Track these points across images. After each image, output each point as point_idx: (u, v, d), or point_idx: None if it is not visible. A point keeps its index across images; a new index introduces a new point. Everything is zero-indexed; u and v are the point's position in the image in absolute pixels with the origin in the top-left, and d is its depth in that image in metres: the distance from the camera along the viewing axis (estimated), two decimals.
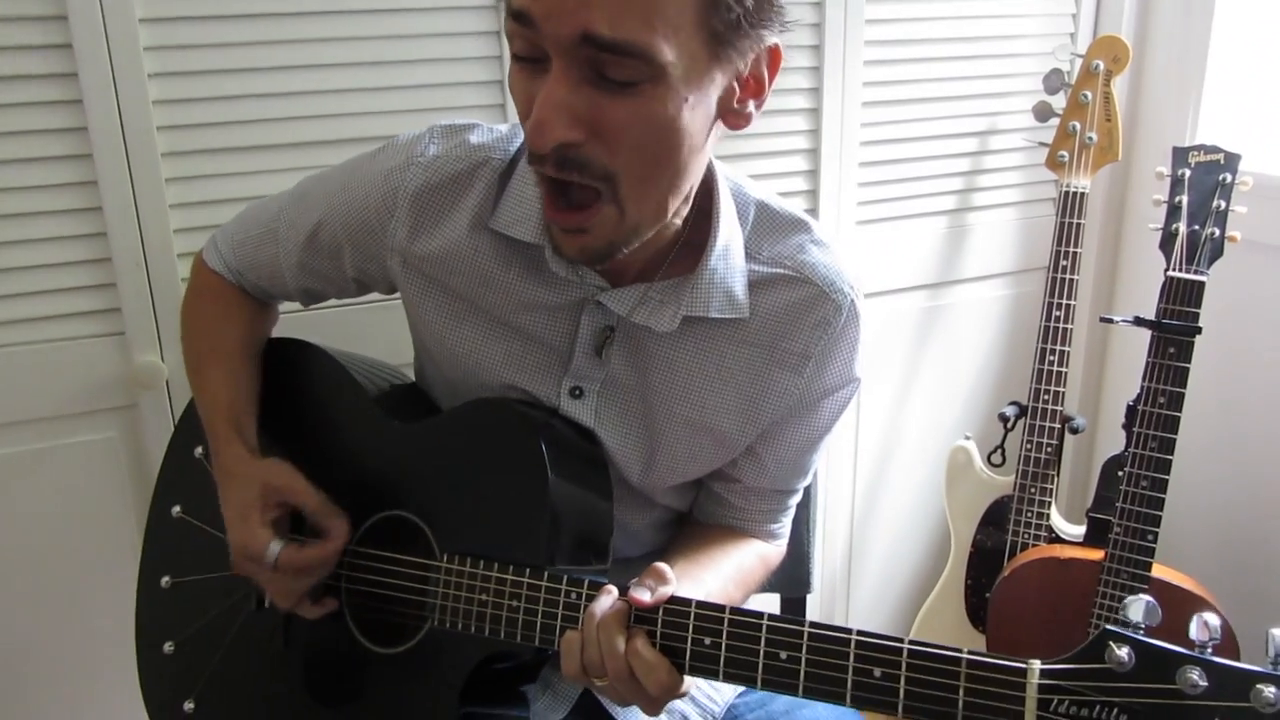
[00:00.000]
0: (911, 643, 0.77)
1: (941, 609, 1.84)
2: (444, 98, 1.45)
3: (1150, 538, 1.46)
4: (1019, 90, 1.83)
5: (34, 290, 1.34)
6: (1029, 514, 1.72)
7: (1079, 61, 1.71)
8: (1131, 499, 1.47)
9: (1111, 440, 1.49)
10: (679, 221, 0.95)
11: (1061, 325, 1.68)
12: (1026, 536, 1.72)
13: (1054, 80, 1.75)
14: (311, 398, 1.13)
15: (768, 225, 1.01)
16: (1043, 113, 1.77)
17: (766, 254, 1.00)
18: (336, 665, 1.05)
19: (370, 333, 1.31)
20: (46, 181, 1.31)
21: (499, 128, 1.03)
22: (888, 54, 1.72)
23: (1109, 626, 0.72)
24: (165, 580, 1.17)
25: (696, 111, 0.83)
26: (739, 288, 0.98)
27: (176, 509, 1.17)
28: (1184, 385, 1.43)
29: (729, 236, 0.97)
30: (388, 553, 1.03)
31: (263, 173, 1.38)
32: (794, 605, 1.44)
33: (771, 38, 0.84)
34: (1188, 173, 1.48)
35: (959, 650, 0.76)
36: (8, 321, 1.33)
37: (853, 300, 1.01)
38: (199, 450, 1.16)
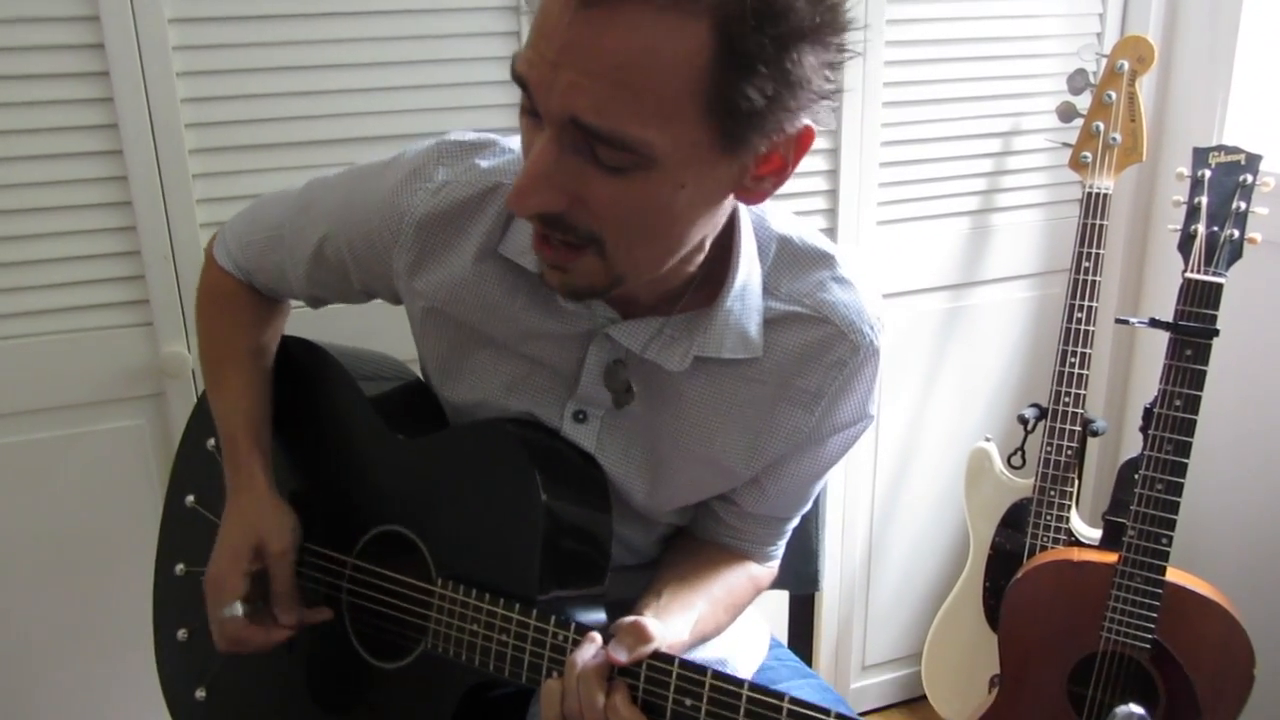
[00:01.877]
0: None
1: (960, 611, 1.84)
2: (464, 97, 1.48)
3: (1165, 541, 1.44)
4: (1043, 91, 1.82)
5: (66, 281, 1.38)
6: (1048, 516, 1.71)
7: (1104, 61, 1.70)
8: (1146, 502, 1.45)
9: (1137, 443, 1.48)
10: (691, 268, 0.91)
11: (1083, 327, 1.67)
12: (1046, 539, 1.71)
13: (1078, 80, 1.74)
14: (316, 403, 1.15)
15: (788, 261, 0.96)
16: (1067, 113, 1.76)
17: (785, 290, 0.96)
18: (336, 672, 1.07)
19: (378, 330, 1.32)
20: (78, 176, 1.35)
21: (513, 147, 0.98)
22: (909, 54, 1.72)
23: None
24: (179, 568, 1.20)
25: (696, 193, 0.79)
26: (753, 327, 0.94)
27: (190, 499, 1.20)
28: (1200, 388, 1.42)
29: (747, 275, 0.93)
30: (387, 571, 1.04)
31: (287, 169, 1.42)
32: (803, 602, 1.45)
33: (801, 123, 0.78)
34: (1208, 174, 1.46)
35: None
36: (41, 311, 1.38)
37: (872, 340, 0.97)
38: (211, 442, 1.18)
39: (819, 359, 0.96)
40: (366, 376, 1.14)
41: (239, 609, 1.02)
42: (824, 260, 0.97)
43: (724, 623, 1.06)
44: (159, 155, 1.36)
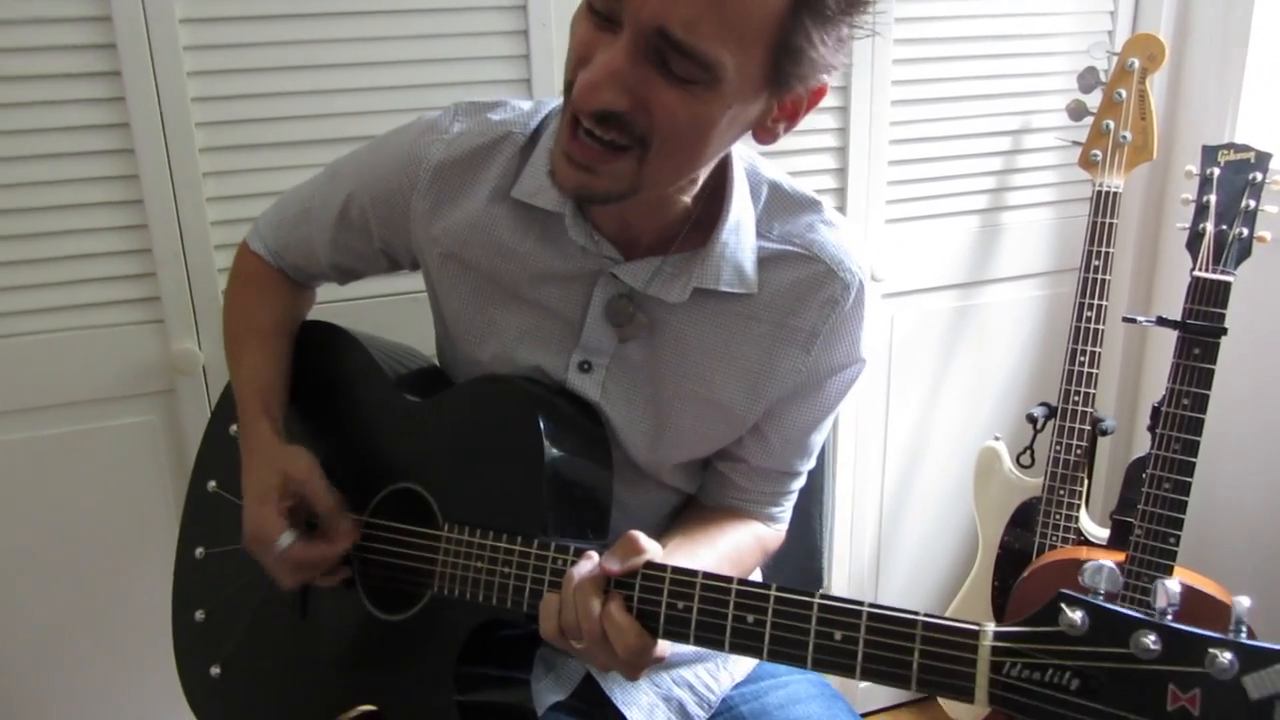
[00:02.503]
0: (871, 606, 0.78)
1: (968, 609, 1.83)
2: (471, 95, 1.47)
3: (1172, 540, 1.44)
4: (1054, 89, 1.81)
5: (78, 278, 1.40)
6: (1057, 516, 1.70)
7: (1114, 59, 1.70)
8: (1154, 501, 1.45)
9: (1148, 443, 1.48)
10: (688, 199, 0.98)
11: (1092, 326, 1.67)
12: (1054, 538, 1.70)
13: (1089, 78, 1.73)
14: (334, 376, 1.18)
15: (779, 204, 1.03)
16: (1077, 111, 1.75)
17: (777, 232, 1.02)
18: (349, 633, 1.09)
19: (399, 323, 1.35)
20: (91, 175, 1.37)
21: (522, 104, 1.07)
22: (918, 52, 1.72)
23: (1064, 590, 0.71)
24: (199, 551, 1.22)
25: (735, 122, 0.87)
26: (748, 263, 1.00)
27: (212, 484, 1.23)
28: (1208, 387, 1.41)
29: (740, 213, 0.99)
30: (395, 523, 1.06)
31: (296, 168, 1.42)
32: None
33: (824, 80, 0.88)
34: (1217, 171, 1.46)
35: (915, 613, 0.76)
36: (54, 308, 1.40)
37: (861, 281, 1.02)
38: (234, 428, 1.21)
39: (812, 296, 1.02)
40: (383, 353, 1.17)
41: (289, 537, 1.03)
42: (812, 205, 1.04)
43: None
44: (170, 154, 1.38)
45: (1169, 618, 0.68)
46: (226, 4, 1.36)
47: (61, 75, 1.33)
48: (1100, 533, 1.68)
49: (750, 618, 0.82)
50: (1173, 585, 0.69)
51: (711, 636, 0.84)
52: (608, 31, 0.82)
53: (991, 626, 0.73)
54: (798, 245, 1.01)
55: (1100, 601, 0.70)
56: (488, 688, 1.02)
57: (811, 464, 1.15)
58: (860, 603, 0.78)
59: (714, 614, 0.84)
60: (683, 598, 0.85)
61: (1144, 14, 1.83)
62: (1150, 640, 0.67)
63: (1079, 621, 0.69)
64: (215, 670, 1.18)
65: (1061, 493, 1.70)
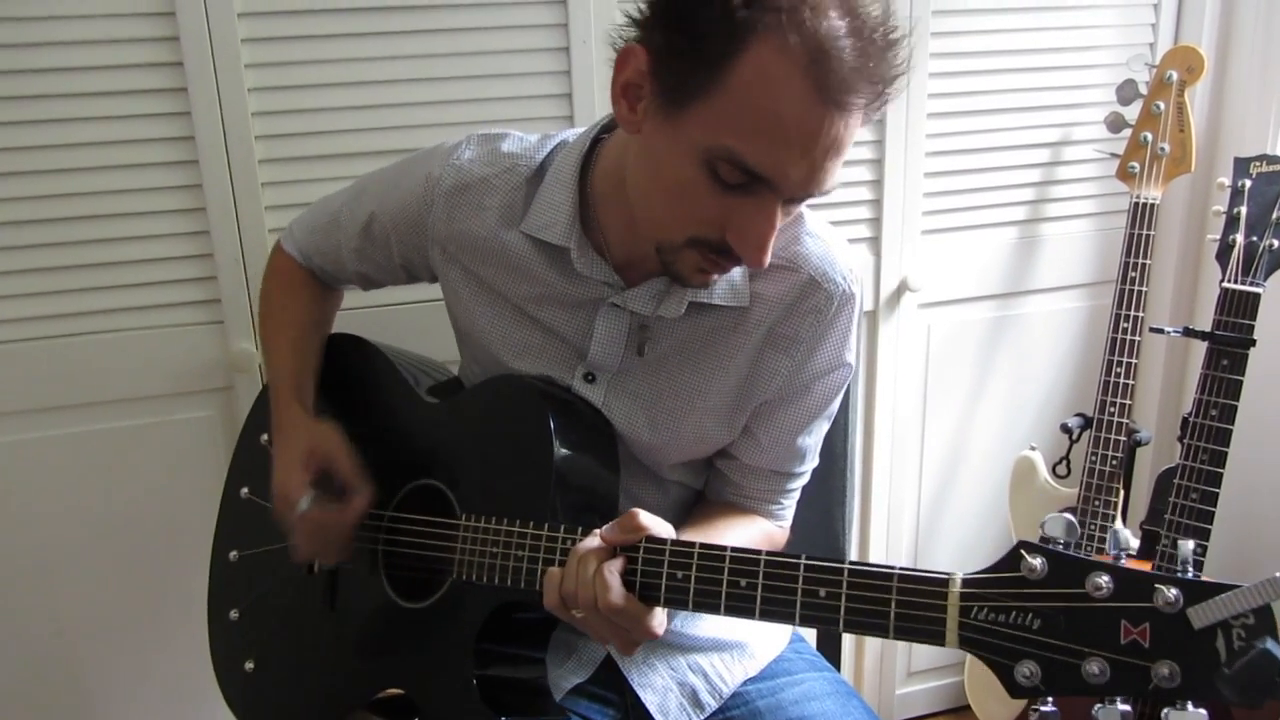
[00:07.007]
0: (851, 563, 0.83)
1: None
2: (515, 110, 1.55)
3: (1198, 551, 1.44)
4: (1093, 101, 1.82)
5: (145, 281, 1.50)
6: (1092, 526, 1.70)
7: (1154, 72, 1.70)
8: (1181, 511, 1.45)
9: None
10: None
11: (1128, 338, 1.67)
12: (1089, 549, 1.70)
13: (1127, 91, 1.74)
14: (361, 384, 1.25)
15: None
16: (1115, 124, 1.76)
17: None
18: (375, 623, 1.15)
19: (422, 332, 1.42)
20: (158, 184, 1.47)
21: (529, 137, 1.14)
22: (955, 66, 1.75)
23: (1024, 539, 0.77)
24: (233, 555, 1.29)
25: None
26: (739, 277, 1.07)
27: (245, 490, 1.30)
28: (1236, 398, 1.42)
29: None
30: (416, 516, 1.13)
31: (349, 178, 1.48)
32: None
33: None
34: (1248, 183, 1.46)
35: (891, 566, 0.82)
36: (122, 309, 1.50)
37: (845, 289, 1.08)
38: (265, 437, 1.28)
39: (798, 306, 1.08)
40: (405, 363, 1.25)
41: (306, 502, 1.11)
42: (796, 218, 1.07)
43: None
44: (231, 165, 1.47)
45: (1122, 560, 0.74)
46: (286, 25, 1.45)
47: (132, 91, 1.42)
48: (1134, 543, 1.68)
49: (744, 582, 0.87)
50: (1124, 532, 0.75)
51: (708, 601, 0.89)
52: (740, 194, 0.90)
53: (959, 574, 0.78)
54: (784, 258, 1.07)
55: (1058, 549, 0.75)
56: (505, 664, 1.07)
57: (808, 465, 1.19)
58: (841, 561, 0.84)
59: (710, 580, 0.89)
60: (681, 567, 0.90)
61: (1185, 26, 1.83)
62: (1103, 580, 0.72)
63: (1038, 567, 0.74)
64: (249, 665, 1.24)
65: (1097, 503, 1.70)
